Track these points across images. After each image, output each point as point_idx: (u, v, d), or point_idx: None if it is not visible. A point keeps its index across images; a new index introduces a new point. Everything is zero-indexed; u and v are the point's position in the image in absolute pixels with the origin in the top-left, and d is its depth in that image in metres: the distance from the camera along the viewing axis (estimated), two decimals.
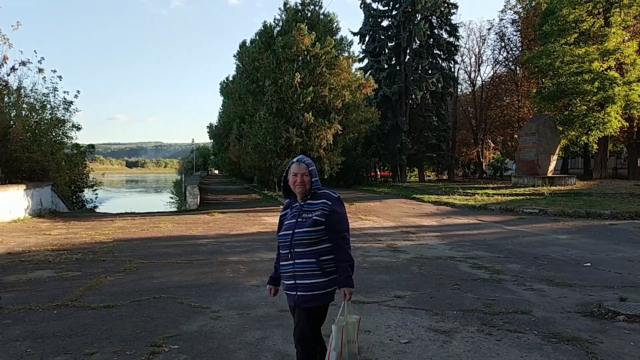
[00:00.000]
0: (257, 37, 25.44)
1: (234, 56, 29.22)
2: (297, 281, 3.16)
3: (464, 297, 6.00)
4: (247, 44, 27.28)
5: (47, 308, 5.58)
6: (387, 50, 35.31)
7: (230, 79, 36.43)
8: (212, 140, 52.00)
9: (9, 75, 17.78)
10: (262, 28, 24.86)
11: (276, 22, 25.17)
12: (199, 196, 20.78)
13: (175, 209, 24.94)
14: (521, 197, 19.61)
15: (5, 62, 17.59)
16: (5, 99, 17.97)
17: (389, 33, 35.16)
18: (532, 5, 35.33)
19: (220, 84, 39.09)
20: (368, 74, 32.11)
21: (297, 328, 3.23)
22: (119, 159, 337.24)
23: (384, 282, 6.85)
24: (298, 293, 3.16)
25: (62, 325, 5.00)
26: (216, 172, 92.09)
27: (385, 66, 34.98)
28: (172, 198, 40.57)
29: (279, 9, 25.11)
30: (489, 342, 4.47)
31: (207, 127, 49.53)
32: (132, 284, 6.75)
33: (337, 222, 3.16)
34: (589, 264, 7.98)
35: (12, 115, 18.01)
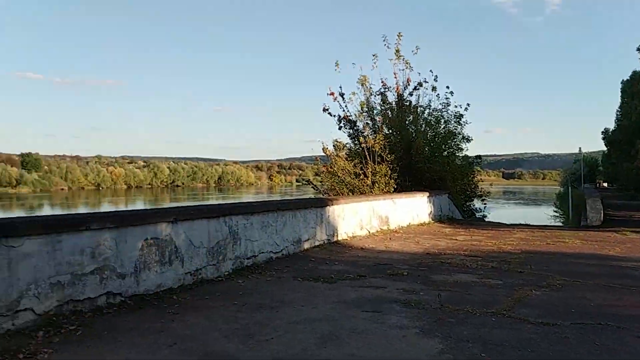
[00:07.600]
0: None
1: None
2: None
3: None
4: None
5: (483, 314, 5.56)
6: None
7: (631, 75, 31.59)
8: (606, 148, 46.29)
9: (411, 95, 20.03)
10: None
11: None
12: (602, 211, 18.52)
13: (559, 223, 23.11)
14: None
15: (409, 84, 19.91)
16: (409, 117, 20.25)
17: None
18: None
19: (621, 82, 34.41)
20: None
21: None
22: (496, 170, 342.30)
23: None
24: None
25: (505, 334, 4.85)
26: (605, 184, 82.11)
27: None
28: (555, 212, 38.20)
29: None
30: None
31: (602, 132, 44.04)
32: (562, 302, 6.16)
33: None
34: None
35: (413, 130, 20.16)
